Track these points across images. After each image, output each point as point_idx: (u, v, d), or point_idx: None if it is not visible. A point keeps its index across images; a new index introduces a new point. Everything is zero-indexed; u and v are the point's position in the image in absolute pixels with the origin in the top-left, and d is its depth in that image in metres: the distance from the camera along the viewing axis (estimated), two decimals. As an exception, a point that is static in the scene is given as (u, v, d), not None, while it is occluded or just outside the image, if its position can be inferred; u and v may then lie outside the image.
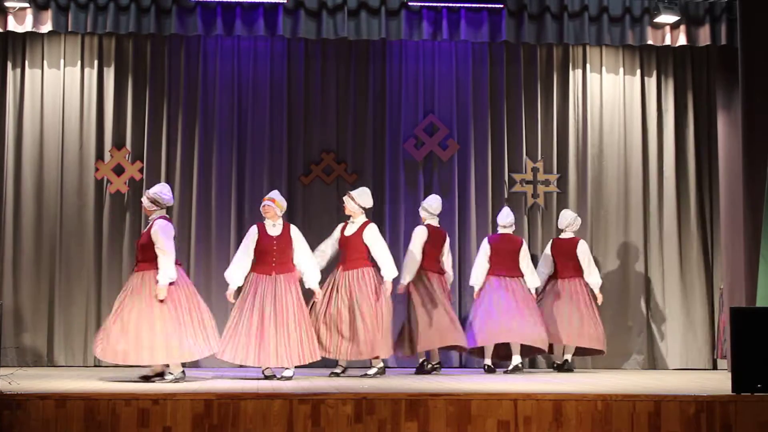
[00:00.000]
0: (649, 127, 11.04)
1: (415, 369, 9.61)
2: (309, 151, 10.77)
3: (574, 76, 11.05)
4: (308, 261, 8.73)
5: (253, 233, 8.66)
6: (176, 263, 8.19)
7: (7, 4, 9.88)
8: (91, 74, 10.65)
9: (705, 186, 10.99)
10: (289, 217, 10.62)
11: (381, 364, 9.07)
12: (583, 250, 10.16)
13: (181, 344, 8.05)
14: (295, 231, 8.73)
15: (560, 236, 10.34)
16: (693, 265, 10.89)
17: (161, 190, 8.30)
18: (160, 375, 8.20)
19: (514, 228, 10.04)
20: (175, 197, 10.50)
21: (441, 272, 9.62)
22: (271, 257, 8.61)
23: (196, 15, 10.08)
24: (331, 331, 8.90)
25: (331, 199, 10.63)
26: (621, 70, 11.08)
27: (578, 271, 10.12)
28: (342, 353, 8.92)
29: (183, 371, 8.18)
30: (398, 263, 9.93)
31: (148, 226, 8.25)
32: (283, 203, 8.77)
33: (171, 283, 8.07)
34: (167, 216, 8.40)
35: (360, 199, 9.11)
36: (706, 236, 10.94)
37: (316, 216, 10.60)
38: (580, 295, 10.07)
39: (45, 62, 10.61)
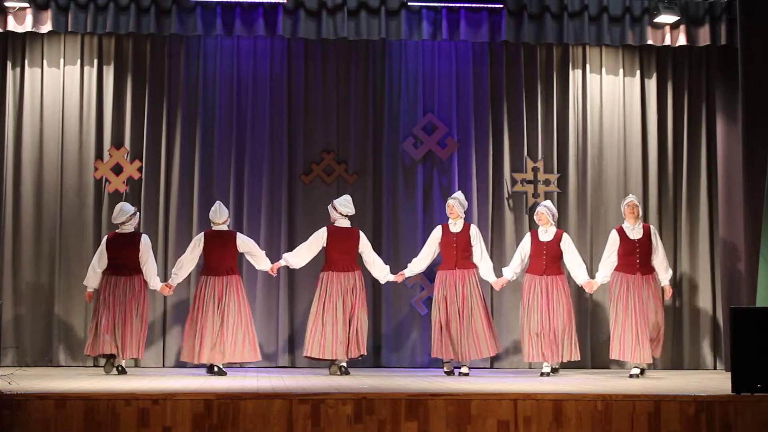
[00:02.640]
0: (648, 128, 11.02)
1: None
2: (309, 151, 10.75)
3: (574, 76, 11.03)
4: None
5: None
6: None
7: (7, 4, 9.88)
8: (91, 74, 10.65)
9: (704, 186, 10.97)
10: (289, 216, 10.64)
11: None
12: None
13: None
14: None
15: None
16: (692, 265, 10.87)
17: (339, 202, 9.59)
18: None
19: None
20: (174, 197, 10.56)
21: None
22: None
23: (195, 15, 10.09)
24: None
25: (332, 199, 10.60)
26: (621, 70, 11.06)
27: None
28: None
29: None
30: (398, 262, 9.95)
31: None
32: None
33: None
34: (334, 225, 9.51)
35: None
36: (705, 236, 10.92)
37: (316, 215, 10.58)
38: None
39: (45, 62, 10.60)
